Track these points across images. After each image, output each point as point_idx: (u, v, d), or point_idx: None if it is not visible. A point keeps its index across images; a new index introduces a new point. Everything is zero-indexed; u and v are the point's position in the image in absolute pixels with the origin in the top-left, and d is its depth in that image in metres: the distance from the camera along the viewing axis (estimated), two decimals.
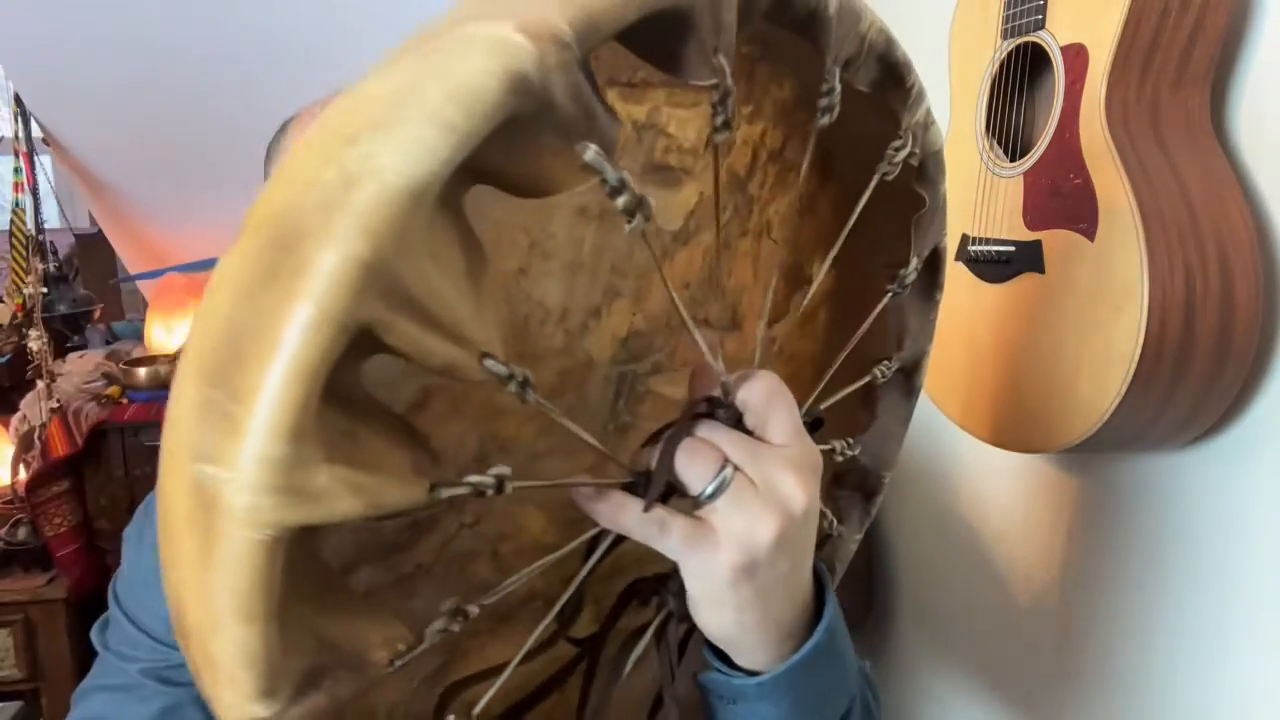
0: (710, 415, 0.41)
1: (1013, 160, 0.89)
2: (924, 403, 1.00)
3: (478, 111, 0.28)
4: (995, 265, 0.89)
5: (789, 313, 0.56)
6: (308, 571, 0.31)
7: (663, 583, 0.45)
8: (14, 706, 1.70)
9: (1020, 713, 1.21)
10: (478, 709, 0.39)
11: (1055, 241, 0.83)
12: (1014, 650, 1.20)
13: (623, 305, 0.47)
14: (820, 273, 0.48)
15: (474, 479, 0.32)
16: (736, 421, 0.41)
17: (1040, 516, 1.14)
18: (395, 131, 0.28)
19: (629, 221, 0.33)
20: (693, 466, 0.39)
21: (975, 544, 1.27)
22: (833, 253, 0.46)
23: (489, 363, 0.31)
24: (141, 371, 1.76)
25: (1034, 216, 0.85)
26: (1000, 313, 0.89)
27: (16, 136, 1.89)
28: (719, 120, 0.36)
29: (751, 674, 0.44)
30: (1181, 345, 0.75)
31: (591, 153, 0.31)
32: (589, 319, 0.46)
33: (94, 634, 0.78)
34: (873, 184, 0.45)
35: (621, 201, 0.33)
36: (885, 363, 0.53)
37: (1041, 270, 0.84)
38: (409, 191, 0.28)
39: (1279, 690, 0.82)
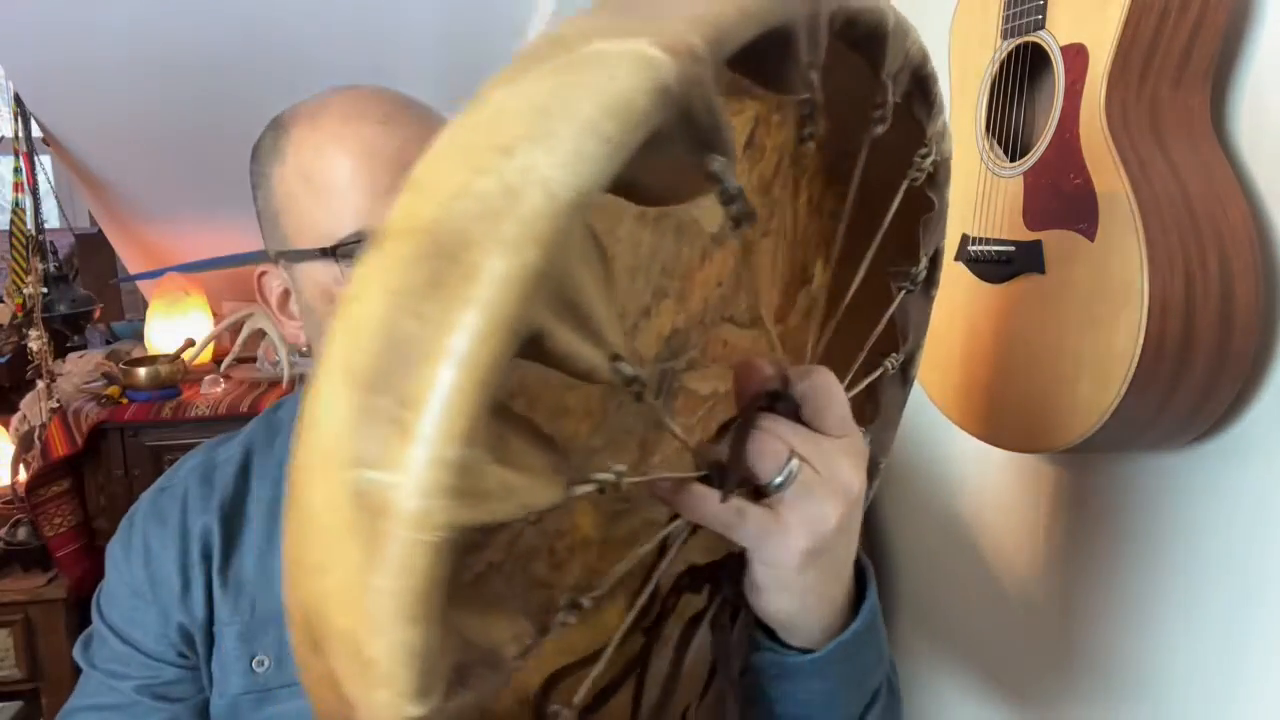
0: (771, 409, 0.43)
1: (1013, 160, 0.89)
2: (924, 403, 1.01)
3: (630, 124, 0.30)
4: (995, 265, 0.89)
5: (795, 308, 0.58)
6: (454, 572, 0.32)
7: (717, 571, 0.47)
8: (14, 706, 1.71)
9: (1020, 712, 1.21)
10: (578, 698, 0.40)
11: (1055, 241, 0.83)
12: (1013, 649, 1.20)
13: (669, 305, 0.48)
14: (859, 276, 0.51)
15: (600, 476, 0.34)
16: (794, 414, 0.43)
17: (1040, 516, 1.14)
18: (554, 144, 0.29)
19: (734, 229, 0.35)
20: (762, 458, 0.41)
21: (974, 544, 1.27)
22: (869, 255, 0.48)
23: (621, 365, 0.32)
24: (141, 371, 1.76)
25: (1034, 216, 0.85)
26: (1000, 313, 0.89)
27: (16, 136, 1.89)
28: (807, 131, 0.38)
29: (804, 652, 0.48)
30: (1181, 345, 0.75)
31: (718, 163, 0.32)
32: (640, 319, 0.47)
33: (77, 652, 0.76)
34: (901, 190, 0.48)
35: (734, 210, 0.34)
36: (894, 355, 0.55)
37: (1041, 270, 0.84)
38: (574, 201, 0.29)
39: None
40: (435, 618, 0.30)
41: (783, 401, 0.43)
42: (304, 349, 0.74)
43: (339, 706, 0.31)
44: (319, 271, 0.67)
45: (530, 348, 0.29)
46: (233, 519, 0.75)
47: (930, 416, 1.01)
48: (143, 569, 0.74)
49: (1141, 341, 0.73)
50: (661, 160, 0.31)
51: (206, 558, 0.73)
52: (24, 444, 1.86)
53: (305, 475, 0.31)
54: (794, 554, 0.42)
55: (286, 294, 0.73)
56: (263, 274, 0.74)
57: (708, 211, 0.48)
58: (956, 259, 0.93)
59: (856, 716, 0.55)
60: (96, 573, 1.84)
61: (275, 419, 0.81)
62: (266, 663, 0.72)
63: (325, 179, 0.65)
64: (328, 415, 0.30)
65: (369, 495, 0.29)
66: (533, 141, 0.29)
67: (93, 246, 2.47)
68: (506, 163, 0.29)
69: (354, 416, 0.29)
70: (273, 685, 0.72)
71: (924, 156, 0.48)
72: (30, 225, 1.90)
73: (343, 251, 0.64)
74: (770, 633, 0.48)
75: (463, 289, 0.28)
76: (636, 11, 0.33)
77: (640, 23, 0.32)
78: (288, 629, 0.33)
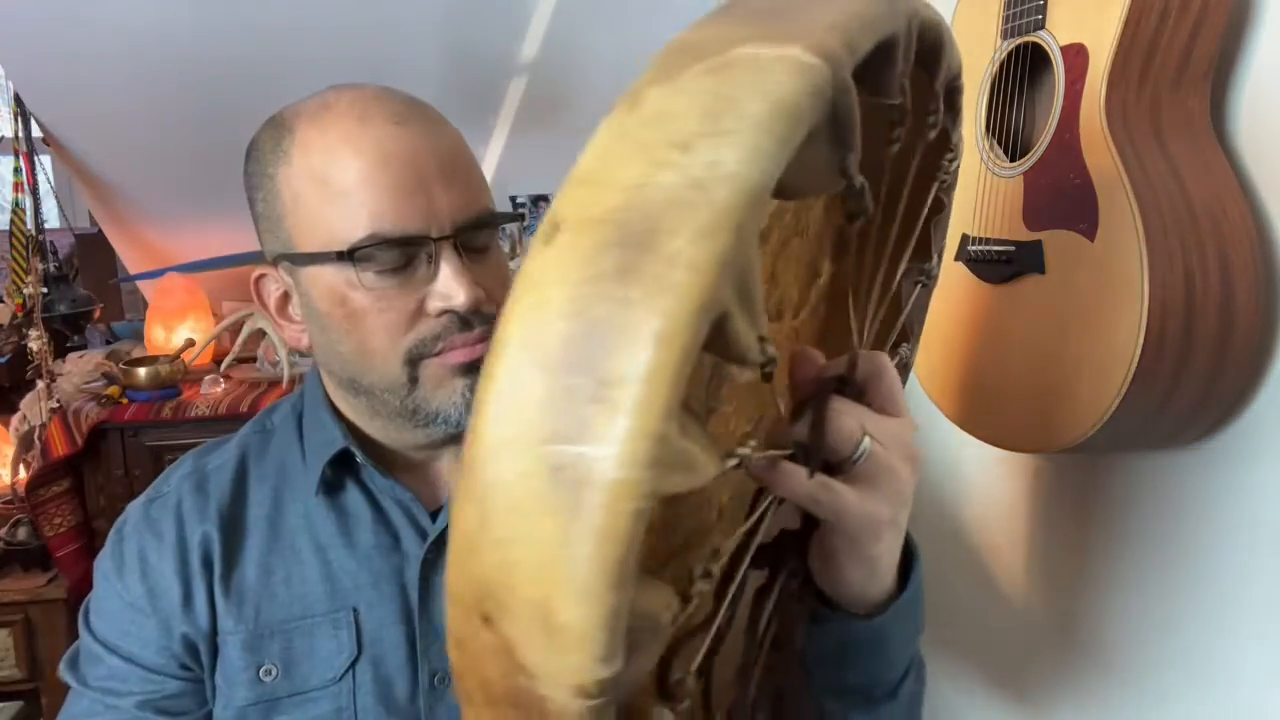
0: (840, 392, 0.47)
1: (1013, 160, 0.89)
2: (924, 402, 1.01)
3: (795, 124, 0.32)
4: (995, 265, 0.89)
5: (808, 303, 0.61)
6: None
7: (779, 547, 0.51)
8: (14, 706, 1.71)
9: (1020, 711, 1.21)
10: (694, 665, 0.43)
11: (1055, 241, 0.83)
12: (1014, 649, 1.20)
13: None
14: (896, 281, 0.55)
15: (742, 451, 0.36)
16: (858, 396, 0.48)
17: (1040, 516, 1.14)
18: (735, 140, 0.32)
19: (853, 222, 0.38)
20: (839, 437, 0.45)
21: (975, 544, 1.27)
22: (906, 254, 0.53)
23: (767, 346, 0.34)
24: (141, 371, 1.75)
25: (1034, 216, 0.85)
26: (1000, 313, 0.89)
27: (16, 136, 1.89)
28: (896, 134, 0.41)
29: (867, 618, 0.53)
30: (1181, 345, 0.75)
31: (850, 160, 0.35)
32: None
33: (64, 670, 0.74)
34: (932, 194, 0.52)
35: (852, 205, 0.37)
36: (905, 345, 0.60)
37: (1041, 270, 0.84)
38: (757, 194, 0.32)
39: None
40: (628, 585, 0.31)
41: (849, 386, 0.48)
42: (305, 350, 0.73)
43: (510, 676, 0.33)
44: (329, 274, 0.65)
45: (714, 330, 0.32)
46: (232, 527, 0.73)
47: (930, 416, 1.01)
48: (139, 581, 0.72)
49: (1141, 341, 0.73)
50: (809, 157, 0.34)
51: (207, 567, 0.72)
52: (24, 444, 1.86)
53: (490, 453, 0.32)
54: (875, 524, 0.47)
55: (286, 297, 0.72)
56: (260, 277, 0.72)
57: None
58: (956, 259, 0.93)
59: (898, 680, 0.60)
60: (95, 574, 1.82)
61: (268, 424, 0.79)
62: (274, 672, 0.71)
63: (338, 182, 0.64)
64: (517, 396, 0.32)
65: (570, 469, 0.31)
66: (711, 139, 0.32)
67: (93, 246, 2.47)
68: (687, 158, 0.32)
69: (549, 396, 0.31)
70: (281, 694, 0.71)
71: (950, 161, 0.51)
72: (30, 225, 1.90)
73: (360, 255, 0.63)
74: (826, 603, 0.52)
75: (665, 274, 0.30)
76: (772, 18, 0.36)
77: (782, 29, 0.34)
78: (446, 606, 0.35)
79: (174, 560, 0.72)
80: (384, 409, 0.70)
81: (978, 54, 0.94)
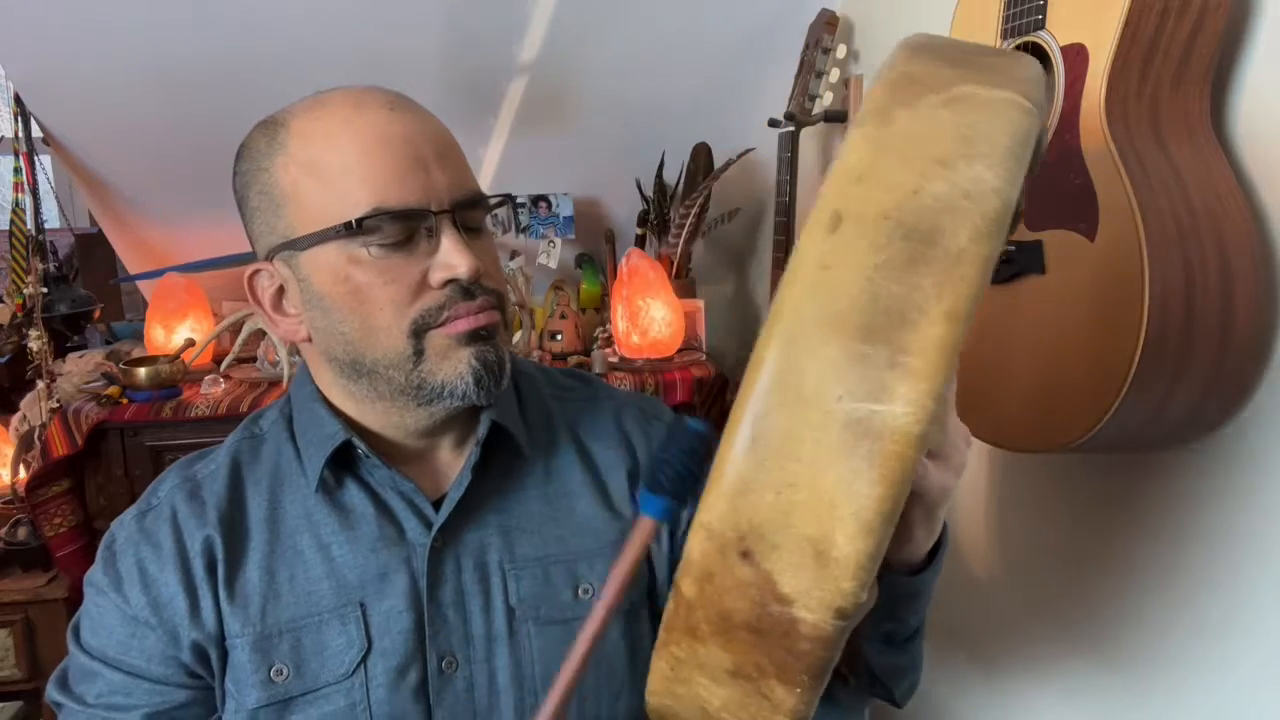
0: None
1: None
2: None
3: (1027, 152, 0.41)
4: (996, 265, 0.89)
5: None
6: None
7: None
8: (14, 706, 1.71)
9: (1021, 711, 1.21)
10: None
11: (1055, 241, 0.83)
12: (1014, 649, 1.20)
13: None
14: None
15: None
16: None
17: (1040, 516, 1.14)
18: (991, 163, 0.40)
19: (1011, 230, 0.45)
20: (955, 426, 0.58)
21: (976, 543, 1.27)
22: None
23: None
24: (141, 371, 1.75)
25: (1034, 217, 0.85)
26: (1000, 313, 0.89)
27: (16, 136, 1.89)
28: (1019, 209, 0.48)
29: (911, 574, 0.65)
30: (1182, 345, 0.75)
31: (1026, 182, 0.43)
32: None
33: (54, 691, 0.73)
34: (999, 253, 0.63)
35: (1014, 221, 0.44)
36: None
37: (1042, 270, 0.84)
38: (1010, 206, 0.40)
39: None
40: (893, 524, 0.38)
41: None
42: (302, 341, 0.73)
43: (761, 605, 0.39)
44: (331, 255, 0.67)
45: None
46: (234, 530, 0.74)
47: None
48: (141, 594, 0.72)
49: (1142, 341, 0.73)
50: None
51: (211, 572, 0.72)
52: (24, 444, 1.86)
53: (772, 407, 0.39)
54: (947, 493, 0.58)
55: (281, 291, 0.72)
56: (254, 274, 0.73)
57: None
58: None
59: (919, 625, 0.72)
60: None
61: (256, 430, 0.80)
62: (285, 672, 0.71)
63: (338, 163, 0.66)
64: (811, 359, 0.39)
65: (865, 423, 0.37)
66: (970, 160, 0.40)
67: (93, 246, 2.47)
68: (951, 174, 0.40)
69: (846, 360, 0.38)
70: (294, 694, 0.71)
71: (1018, 215, 0.59)
72: (30, 225, 1.90)
73: (367, 226, 0.65)
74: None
75: (954, 267, 0.38)
76: (972, 66, 0.45)
77: (989, 77, 0.44)
78: (694, 546, 0.40)
79: (176, 570, 0.72)
80: (387, 389, 0.71)
81: None
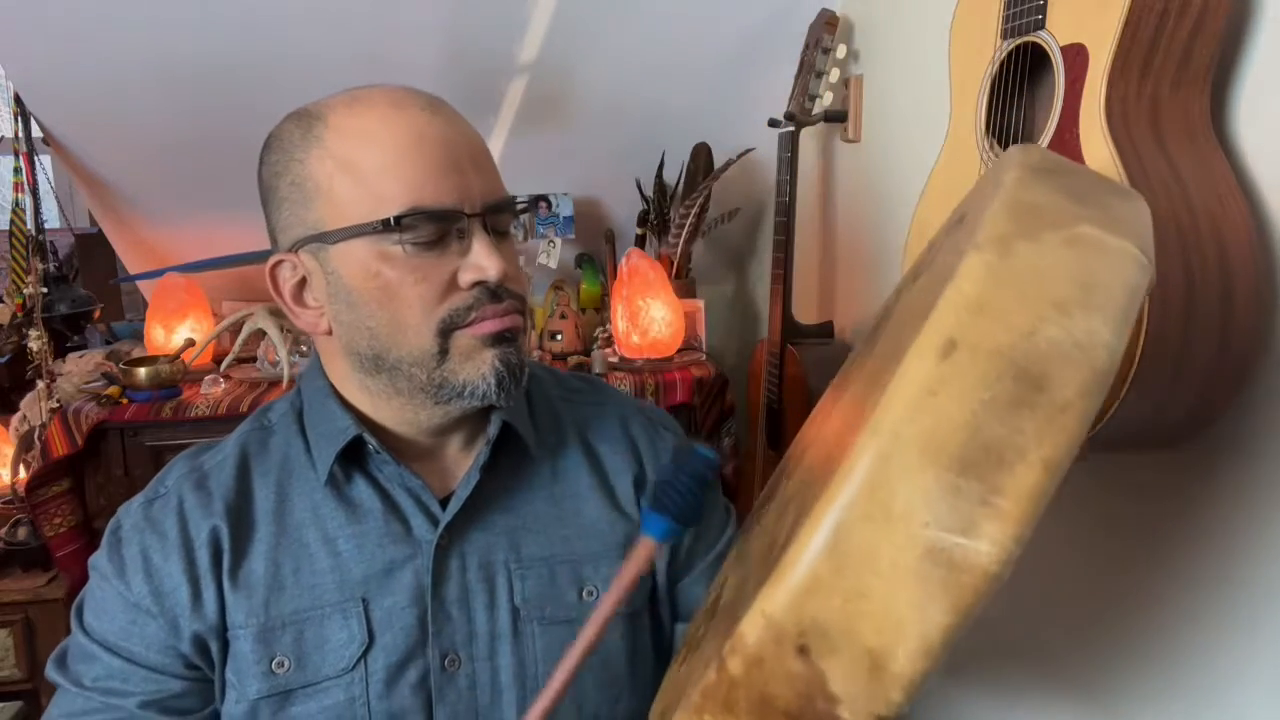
0: None
1: None
2: None
3: (1136, 308, 0.42)
4: None
5: None
6: None
7: None
8: (14, 706, 1.71)
9: (1022, 708, 1.21)
10: None
11: None
12: (1014, 648, 1.20)
13: None
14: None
15: None
16: None
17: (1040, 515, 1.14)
18: (1106, 317, 0.41)
19: None
20: None
21: None
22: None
23: None
24: (141, 371, 1.75)
25: None
26: None
27: (16, 136, 1.89)
28: None
29: None
30: (1182, 345, 0.75)
31: None
32: None
33: (52, 670, 0.74)
34: None
35: None
36: None
37: None
38: (1117, 363, 0.41)
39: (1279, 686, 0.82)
40: (950, 650, 0.39)
41: None
42: (326, 333, 0.74)
43: (807, 699, 0.41)
44: (362, 250, 0.68)
45: None
46: (240, 521, 0.74)
47: None
48: (144, 582, 0.72)
49: (1142, 342, 0.73)
50: None
51: (216, 562, 0.72)
52: (24, 444, 1.86)
53: (861, 520, 0.40)
54: None
55: (303, 283, 0.73)
56: (276, 264, 0.73)
57: None
58: None
59: None
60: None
61: (266, 421, 0.80)
62: (287, 664, 0.71)
63: (376, 160, 0.67)
64: (904, 480, 0.40)
65: (947, 553, 0.39)
66: (1087, 310, 0.41)
67: (93, 246, 2.47)
68: (1067, 320, 0.40)
69: (938, 489, 0.39)
70: (294, 686, 0.71)
71: None
72: (30, 225, 1.90)
73: (405, 224, 0.66)
74: None
75: (1057, 417, 0.39)
76: (1094, 205, 0.45)
77: (1108, 218, 0.44)
78: (750, 630, 0.41)
79: (180, 559, 0.72)
80: (408, 386, 0.71)
81: (978, 54, 0.94)
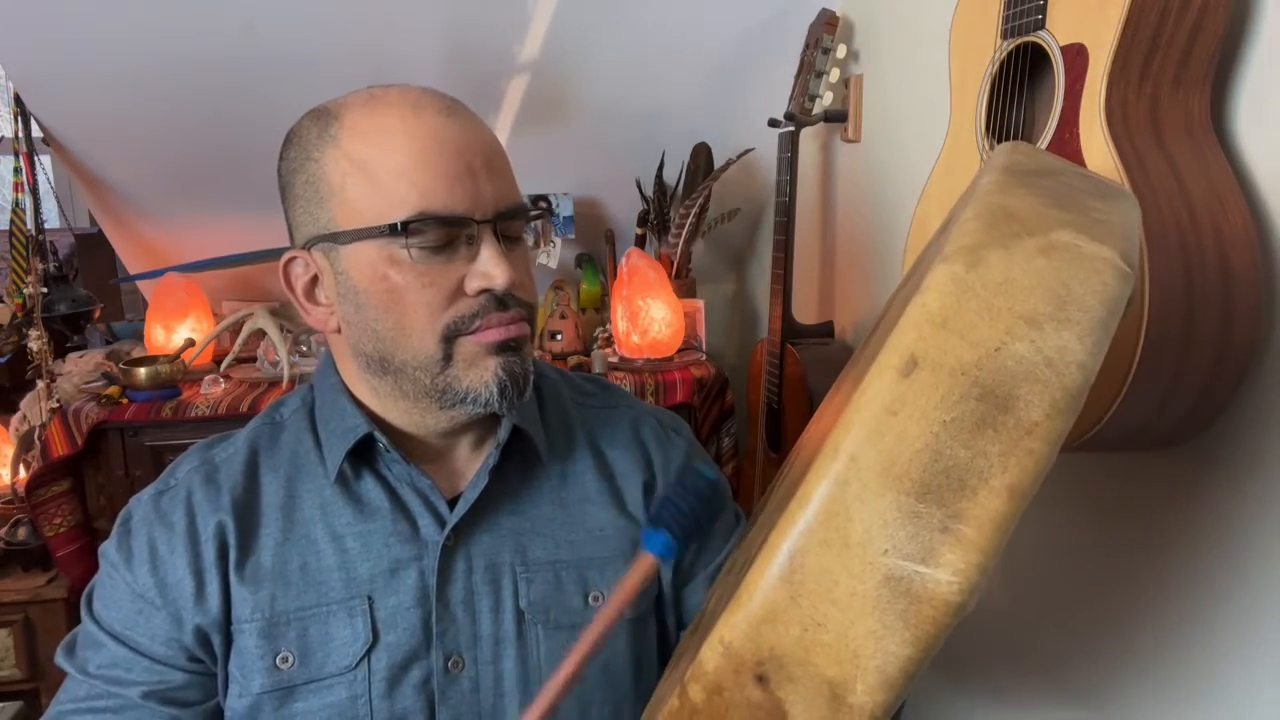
0: None
1: None
2: None
3: (1115, 322, 0.39)
4: None
5: None
6: None
7: None
8: (14, 706, 1.70)
9: (1015, 709, 1.21)
10: None
11: None
12: (1013, 649, 1.20)
13: None
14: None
15: None
16: None
17: (1040, 514, 1.14)
18: (1080, 332, 0.38)
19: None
20: None
21: None
22: None
23: None
24: (141, 371, 1.75)
25: None
26: None
27: (16, 136, 1.89)
28: None
29: None
30: (1182, 345, 0.75)
31: None
32: None
33: (61, 657, 0.74)
34: None
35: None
36: None
37: None
38: (1091, 380, 0.38)
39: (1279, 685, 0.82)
40: (912, 683, 0.38)
41: None
42: (336, 331, 0.74)
43: None
44: (371, 252, 0.68)
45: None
46: (247, 516, 0.74)
47: None
48: (149, 574, 0.73)
49: (1142, 341, 0.73)
50: None
51: (222, 556, 0.73)
52: (24, 444, 1.86)
53: (817, 545, 0.38)
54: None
55: (315, 280, 0.73)
56: (290, 260, 0.73)
57: None
58: None
59: None
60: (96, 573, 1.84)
61: (277, 417, 0.80)
62: (291, 659, 0.72)
63: (389, 163, 0.67)
64: (861, 506, 0.38)
65: (906, 582, 0.37)
66: (1059, 324, 0.38)
67: (93, 246, 2.47)
68: (1038, 336, 0.38)
69: (897, 515, 0.37)
70: (298, 682, 0.72)
71: None
72: (30, 225, 1.90)
73: (413, 228, 0.66)
74: None
75: (1023, 440, 0.37)
76: (1072, 206, 0.43)
77: (1086, 222, 0.41)
78: (710, 657, 0.40)
79: (186, 552, 0.73)
80: (412, 389, 0.71)
81: (978, 54, 0.94)
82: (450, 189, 0.67)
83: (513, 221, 0.71)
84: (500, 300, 0.69)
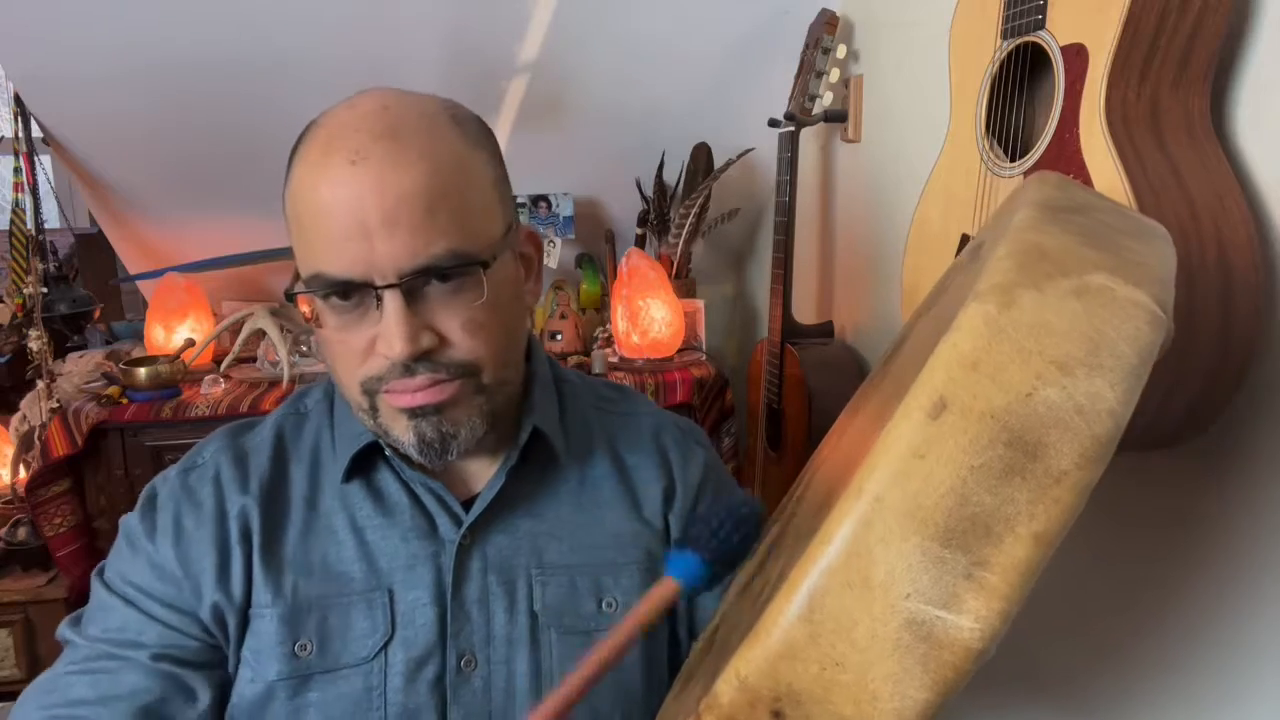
0: None
1: (1013, 160, 0.89)
2: None
3: (1148, 369, 0.39)
4: None
5: None
6: None
7: None
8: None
9: (1016, 712, 1.21)
10: None
11: None
12: (1013, 648, 1.20)
13: None
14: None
15: None
16: None
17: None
18: (1113, 379, 0.38)
19: None
20: None
21: None
22: None
23: None
24: (141, 371, 1.75)
25: None
26: None
27: (16, 136, 1.89)
28: None
29: None
30: (1182, 344, 0.75)
31: None
32: None
33: (65, 630, 0.75)
34: None
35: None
36: None
37: None
38: (1121, 429, 0.38)
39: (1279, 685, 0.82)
40: None
41: None
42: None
43: None
44: (307, 298, 0.68)
45: None
46: (273, 504, 0.75)
47: None
48: (172, 547, 0.73)
49: None
50: None
51: (246, 539, 0.73)
52: (24, 444, 1.86)
53: (840, 586, 0.38)
54: None
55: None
56: None
57: None
58: (957, 259, 0.93)
59: None
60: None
61: (302, 407, 0.81)
62: (309, 647, 0.72)
63: (301, 215, 0.65)
64: (885, 549, 0.38)
65: (928, 627, 0.37)
66: (1091, 370, 0.38)
67: (93, 246, 2.47)
68: (1069, 381, 0.38)
69: (921, 559, 0.37)
70: (315, 670, 0.72)
71: None
72: (30, 225, 1.90)
73: (296, 290, 0.66)
74: None
75: (1051, 488, 0.37)
76: (1108, 248, 0.42)
77: (1121, 263, 0.41)
78: (725, 690, 0.40)
79: (212, 529, 0.73)
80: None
81: (978, 54, 0.94)
82: (339, 251, 0.63)
83: (424, 279, 0.64)
84: (406, 367, 0.65)
